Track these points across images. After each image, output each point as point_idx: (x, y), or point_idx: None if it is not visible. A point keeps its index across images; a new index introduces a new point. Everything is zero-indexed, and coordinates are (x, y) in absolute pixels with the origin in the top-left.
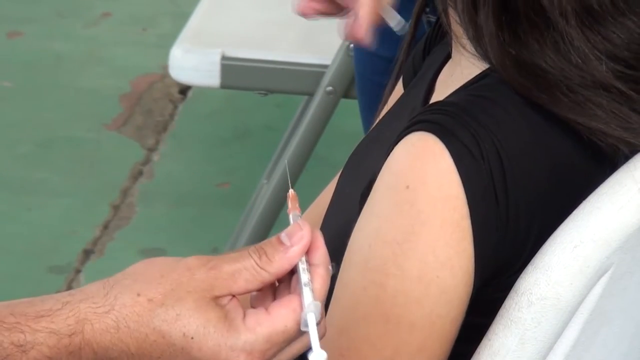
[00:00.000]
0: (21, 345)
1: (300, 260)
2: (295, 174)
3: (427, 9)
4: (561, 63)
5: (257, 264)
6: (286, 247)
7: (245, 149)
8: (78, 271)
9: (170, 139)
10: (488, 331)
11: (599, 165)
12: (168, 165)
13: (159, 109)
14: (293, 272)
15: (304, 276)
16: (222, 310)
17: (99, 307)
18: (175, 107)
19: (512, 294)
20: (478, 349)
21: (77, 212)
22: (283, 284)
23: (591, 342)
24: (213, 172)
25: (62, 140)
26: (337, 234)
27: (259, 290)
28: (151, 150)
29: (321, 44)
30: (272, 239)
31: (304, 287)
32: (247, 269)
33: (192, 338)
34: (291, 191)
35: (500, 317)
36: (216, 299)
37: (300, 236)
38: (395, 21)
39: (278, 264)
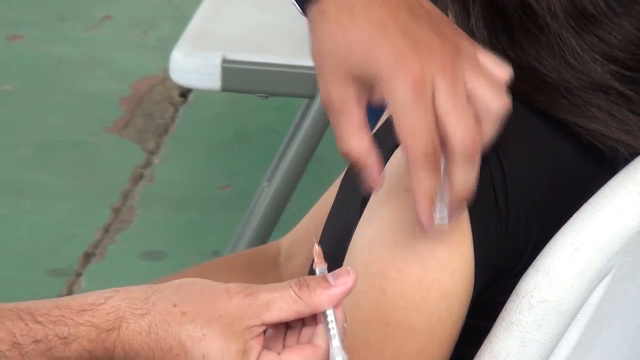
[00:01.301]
0: (64, 338)
1: (328, 313)
2: (296, 177)
3: None
4: (558, 65)
5: (295, 293)
6: (329, 285)
7: (246, 151)
8: (79, 274)
9: (171, 142)
10: (489, 334)
11: (599, 168)
12: (169, 168)
13: (160, 112)
14: (304, 323)
15: (331, 326)
16: (243, 345)
17: (137, 308)
18: (176, 110)
19: (513, 296)
20: (479, 352)
21: (77, 215)
22: (293, 330)
23: (592, 345)
24: (214, 175)
25: (62, 143)
26: (338, 237)
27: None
28: (152, 153)
29: None
30: (316, 276)
31: (332, 335)
32: (284, 297)
33: None
34: (317, 247)
35: (501, 319)
36: (246, 329)
37: (344, 281)
38: None
39: (318, 298)
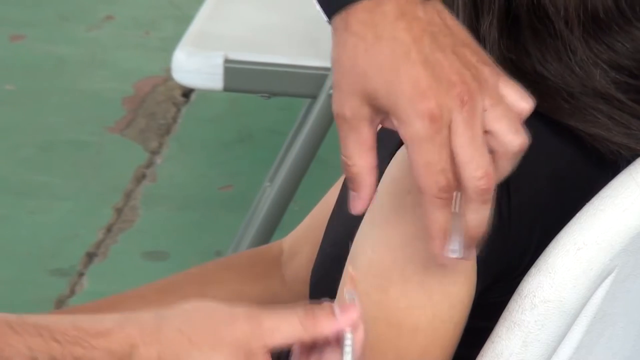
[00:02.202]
0: (79, 359)
1: (347, 337)
2: (299, 177)
3: None
4: (562, 71)
5: (300, 321)
6: (334, 321)
7: (248, 152)
8: (81, 274)
9: (173, 142)
10: (491, 334)
11: (601, 169)
12: (171, 169)
13: (162, 112)
14: (311, 351)
15: (348, 343)
16: None
17: (148, 336)
18: (178, 110)
19: (515, 296)
20: (481, 352)
21: (80, 215)
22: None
23: (594, 345)
24: (216, 175)
25: (64, 143)
26: (340, 238)
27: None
28: (154, 153)
29: (324, 47)
30: (327, 305)
31: (346, 352)
32: (288, 323)
33: None
34: (352, 271)
35: (503, 319)
36: (250, 353)
37: (350, 317)
38: None
39: (321, 326)
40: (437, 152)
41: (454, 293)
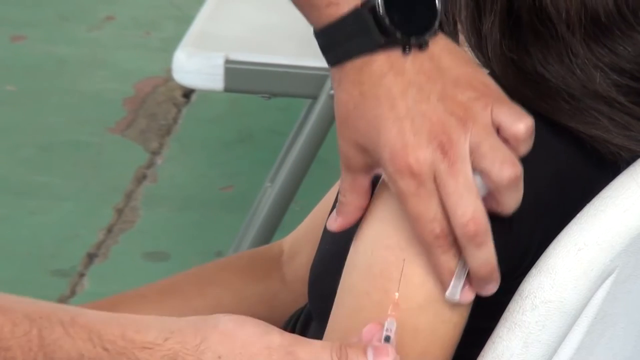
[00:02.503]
0: None
1: None
2: (299, 177)
3: None
4: (564, 73)
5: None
6: (366, 358)
7: (248, 152)
8: (82, 275)
9: (174, 142)
10: (492, 334)
11: (601, 170)
12: (172, 169)
13: (163, 112)
14: None
15: None
16: None
17: (189, 355)
18: (179, 110)
19: (516, 297)
20: (482, 353)
21: (80, 215)
22: None
23: (595, 345)
24: (217, 176)
25: (65, 143)
26: (341, 234)
27: None
28: (155, 153)
29: None
30: (361, 346)
31: None
32: None
33: None
34: (397, 295)
35: (504, 320)
36: None
37: None
38: None
39: None
40: (425, 204)
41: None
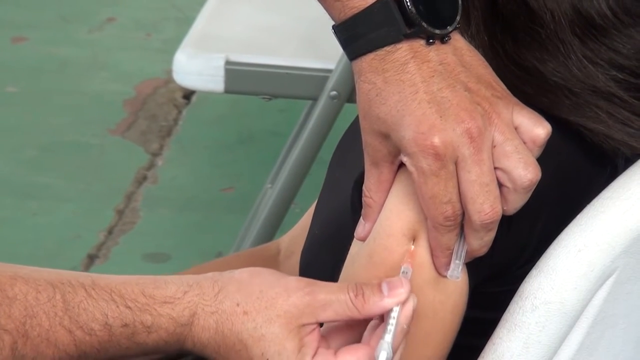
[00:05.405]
0: (148, 327)
1: (394, 309)
2: (300, 179)
3: None
4: (562, 69)
5: (351, 300)
6: (383, 296)
7: (249, 153)
8: None
9: (175, 143)
10: (492, 335)
11: (600, 165)
12: (172, 170)
13: (163, 113)
14: (367, 322)
15: (390, 326)
16: (299, 342)
17: (208, 305)
18: (180, 112)
19: (516, 298)
20: (482, 353)
21: (81, 216)
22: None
23: (595, 346)
24: (217, 177)
25: (66, 145)
26: (331, 219)
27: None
28: (155, 155)
29: (325, 49)
30: (374, 283)
31: (388, 330)
32: (340, 302)
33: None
34: (412, 247)
35: (504, 321)
36: (301, 326)
37: (398, 292)
38: None
39: (370, 308)
40: (443, 185)
41: (452, 282)
